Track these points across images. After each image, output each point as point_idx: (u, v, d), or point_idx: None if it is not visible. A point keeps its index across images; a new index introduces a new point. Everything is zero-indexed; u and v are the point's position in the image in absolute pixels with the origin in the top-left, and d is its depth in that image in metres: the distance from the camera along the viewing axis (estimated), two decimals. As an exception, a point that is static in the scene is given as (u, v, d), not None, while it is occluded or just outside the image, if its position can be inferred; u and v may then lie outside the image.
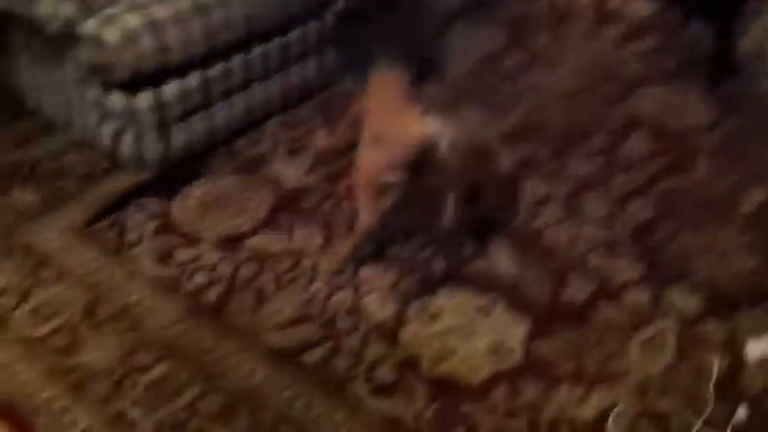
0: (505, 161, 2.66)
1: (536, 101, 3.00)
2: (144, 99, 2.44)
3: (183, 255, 2.29)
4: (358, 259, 2.25)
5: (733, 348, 2.05)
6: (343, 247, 2.28)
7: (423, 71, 1.98)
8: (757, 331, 2.10)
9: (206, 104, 2.60)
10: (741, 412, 1.87)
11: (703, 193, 2.57)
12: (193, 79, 2.52)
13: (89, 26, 2.35)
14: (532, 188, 2.56)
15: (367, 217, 2.17)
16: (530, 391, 1.94)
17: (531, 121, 2.88)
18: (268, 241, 2.34)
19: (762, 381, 1.97)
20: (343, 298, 2.17)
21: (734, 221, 2.45)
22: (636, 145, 2.79)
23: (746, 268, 2.29)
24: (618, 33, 3.46)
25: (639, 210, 2.50)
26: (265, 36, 2.68)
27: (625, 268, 2.28)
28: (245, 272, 2.24)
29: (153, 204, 2.46)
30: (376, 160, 2.09)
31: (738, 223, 2.44)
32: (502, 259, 2.30)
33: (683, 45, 3.37)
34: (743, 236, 2.40)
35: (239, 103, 2.69)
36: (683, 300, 2.19)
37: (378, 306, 2.15)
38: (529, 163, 2.67)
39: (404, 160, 2.03)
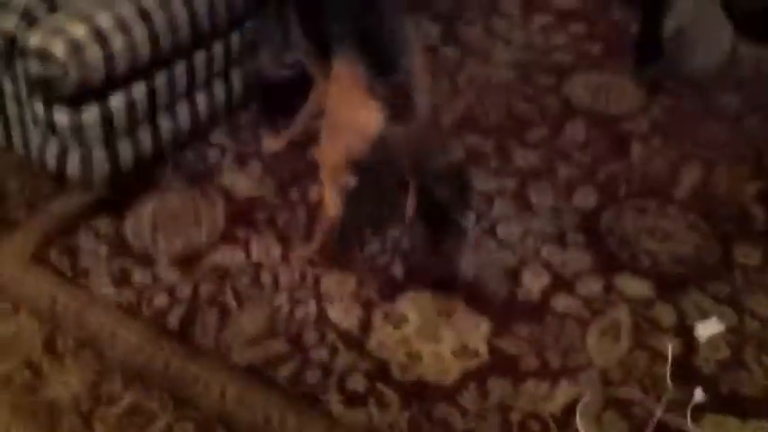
0: (454, 154, 2.71)
1: (474, 94, 3.05)
2: (90, 113, 2.38)
3: (140, 276, 2.27)
4: (338, 246, 2.28)
5: (684, 331, 2.15)
6: (315, 241, 2.31)
7: (379, 63, 2.01)
8: (705, 312, 2.21)
9: (151, 116, 2.56)
10: (699, 394, 1.97)
11: (641, 177, 2.67)
12: (139, 90, 2.47)
13: (34, 39, 2.27)
14: (481, 182, 2.62)
15: (331, 208, 2.21)
16: (497, 389, 2.01)
17: (471, 115, 2.93)
18: (226, 256, 2.34)
19: (714, 361, 2.08)
20: (307, 310, 2.19)
21: (673, 203, 2.56)
22: (573, 133, 2.87)
23: (689, 250, 2.40)
24: (546, 22, 3.53)
25: (584, 198, 2.58)
26: (208, 40, 2.65)
27: (576, 259, 2.36)
28: (206, 290, 2.23)
29: (104, 225, 2.42)
30: (337, 150, 2.12)
31: (677, 204, 2.55)
32: (459, 258, 2.35)
33: (608, 31, 3.47)
34: (683, 217, 2.50)
35: (184, 113, 2.66)
36: (633, 286, 2.28)
37: (342, 315, 2.18)
38: (475, 156, 2.73)
39: (361, 150, 2.07)
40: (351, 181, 2.31)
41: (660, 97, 3.04)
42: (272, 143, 2.70)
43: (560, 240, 2.42)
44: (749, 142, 2.79)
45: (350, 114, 2.07)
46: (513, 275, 2.30)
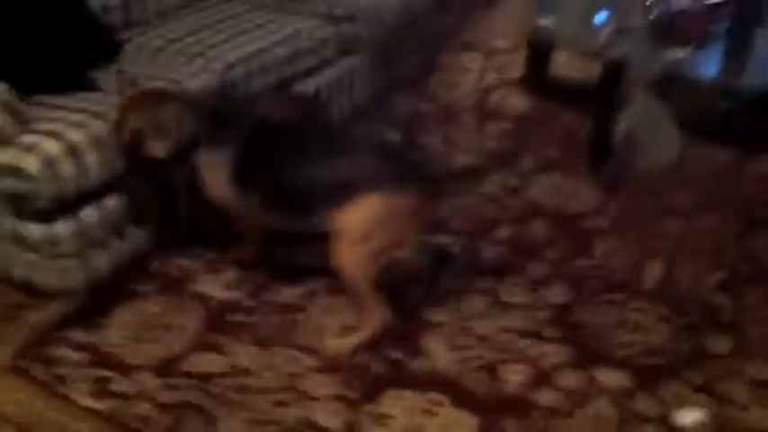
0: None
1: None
2: (64, 226, 2.39)
3: (120, 386, 2.22)
4: None
5: (667, 421, 2.18)
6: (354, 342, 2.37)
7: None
8: (683, 401, 2.25)
9: (123, 225, 2.57)
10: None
11: (607, 273, 2.75)
12: (111, 201, 2.49)
13: (7, 156, 2.29)
14: (452, 280, 2.67)
15: (381, 309, 2.37)
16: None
17: (439, 217, 3.01)
18: (206, 361, 2.31)
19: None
20: (293, 412, 2.16)
21: (640, 296, 2.63)
22: (538, 231, 2.96)
23: (661, 340, 2.46)
24: (501, 128, 3.68)
25: (554, 293, 2.64)
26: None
27: (553, 352, 2.40)
28: (189, 397, 2.20)
29: (79, 335, 2.38)
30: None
31: (645, 297, 2.63)
32: (439, 355, 2.37)
33: (561, 135, 3.64)
34: (652, 309, 2.58)
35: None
36: (612, 378, 2.32)
37: (328, 417, 2.16)
38: (445, 257, 2.79)
39: None
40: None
41: (617, 196, 3.17)
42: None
43: (535, 334, 2.46)
44: (705, 237, 2.91)
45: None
46: (494, 369, 2.33)
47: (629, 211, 3.09)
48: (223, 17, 3.39)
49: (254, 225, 2.58)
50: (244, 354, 2.35)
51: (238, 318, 2.47)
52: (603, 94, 3.36)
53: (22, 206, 2.35)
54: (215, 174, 2.40)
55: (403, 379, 2.29)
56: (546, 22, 3.42)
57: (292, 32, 3.27)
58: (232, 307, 2.51)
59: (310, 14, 3.50)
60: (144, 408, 2.16)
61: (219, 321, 2.46)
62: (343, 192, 2.25)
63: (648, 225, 3.00)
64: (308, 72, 3.33)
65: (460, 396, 2.24)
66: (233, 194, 2.39)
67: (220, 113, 2.44)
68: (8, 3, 2.71)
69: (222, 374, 2.27)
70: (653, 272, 2.75)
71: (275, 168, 2.33)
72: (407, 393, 2.24)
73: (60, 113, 2.49)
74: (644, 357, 2.39)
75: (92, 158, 2.38)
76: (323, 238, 2.31)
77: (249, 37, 3.18)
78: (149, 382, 2.24)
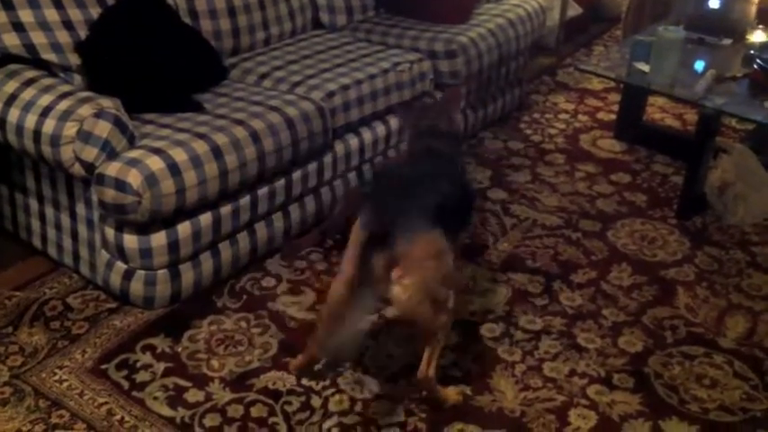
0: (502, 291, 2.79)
1: (521, 235, 3.15)
2: (158, 239, 2.52)
3: (193, 396, 2.31)
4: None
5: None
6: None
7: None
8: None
9: (214, 243, 2.69)
10: None
11: (687, 324, 2.70)
12: (205, 219, 2.61)
13: (112, 168, 2.43)
14: (528, 321, 2.67)
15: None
16: None
17: (517, 255, 3.02)
18: (278, 380, 2.39)
19: None
20: (355, 437, 2.21)
21: (720, 351, 2.57)
22: (619, 277, 2.93)
23: (736, 398, 2.40)
24: (590, 171, 3.67)
25: (630, 341, 2.61)
26: (272, 176, 2.80)
27: (623, 401, 2.37)
28: (257, 412, 2.27)
29: (162, 344, 2.49)
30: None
31: (724, 353, 2.57)
32: (507, 394, 2.37)
33: (650, 181, 3.59)
34: (730, 365, 2.52)
35: (244, 242, 2.78)
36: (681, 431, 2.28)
37: (392, 445, 2.20)
38: (521, 295, 2.79)
39: None
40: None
41: (704, 247, 3.11)
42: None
43: (606, 381, 2.44)
44: (794, 295, 2.83)
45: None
46: (561, 414, 2.31)
47: (716, 262, 3.02)
48: (325, 47, 3.51)
49: None
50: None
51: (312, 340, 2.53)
52: (698, 143, 3.31)
53: (122, 217, 2.48)
54: None
55: (469, 414, 2.30)
56: (641, 66, 3.39)
57: (390, 66, 3.35)
58: (310, 328, 2.58)
59: (410, 49, 3.58)
60: (214, 419, 2.24)
61: (295, 341, 2.53)
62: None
63: (735, 279, 2.93)
64: (404, 105, 3.40)
65: (523, 433, 2.24)
66: None
67: None
68: (127, 25, 2.88)
69: (291, 392, 2.33)
70: (735, 327, 2.68)
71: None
72: (471, 428, 2.25)
73: (165, 132, 2.63)
74: (717, 414, 2.33)
75: (191, 177, 2.50)
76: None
77: (348, 68, 3.28)
78: (221, 395, 2.32)
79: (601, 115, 4.28)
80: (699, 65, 3.52)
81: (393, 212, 2.13)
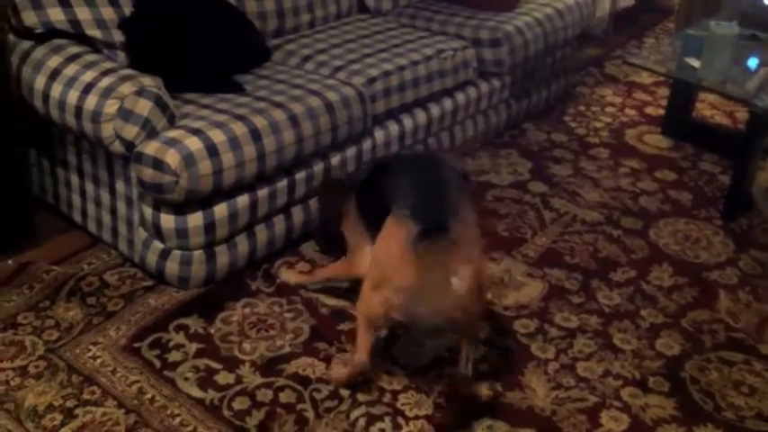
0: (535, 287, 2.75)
1: (559, 230, 3.10)
2: (195, 220, 2.52)
3: (223, 378, 2.32)
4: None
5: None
6: (340, 374, 2.32)
7: (429, 223, 2.08)
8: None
9: (250, 226, 2.68)
10: None
11: (727, 329, 2.64)
12: (242, 201, 2.61)
13: (151, 147, 2.44)
14: (563, 319, 2.63)
15: (362, 354, 2.24)
16: None
17: (555, 250, 2.97)
18: (308, 366, 2.38)
19: None
20: (383, 427, 2.19)
21: (760, 358, 2.51)
22: (659, 277, 2.87)
23: (775, 408, 2.34)
24: (634, 166, 3.60)
25: (667, 344, 2.55)
26: (310, 159, 2.79)
27: (657, 405, 2.33)
28: (286, 398, 2.27)
29: (195, 324, 2.50)
30: (376, 303, 2.16)
31: (765, 360, 2.50)
32: (539, 392, 2.34)
33: (697, 180, 3.51)
34: (770, 374, 2.46)
35: (280, 225, 2.78)
36: (716, 439, 2.23)
37: (418, 437, 2.18)
38: (557, 291, 2.75)
39: (400, 306, 2.10)
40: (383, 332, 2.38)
41: (749, 250, 3.03)
42: (290, 276, 2.74)
43: (641, 384, 2.39)
44: (840, 303, 2.75)
45: (392, 269, 2.11)
46: (592, 416, 2.28)
47: (761, 266, 2.95)
48: (369, 32, 3.48)
49: None
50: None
51: (345, 327, 2.53)
52: (747, 142, 3.22)
53: (159, 197, 2.49)
54: None
55: (498, 410, 2.27)
56: (692, 62, 3.31)
57: (434, 53, 3.31)
58: (341, 315, 2.57)
59: (455, 36, 3.54)
60: (243, 401, 2.24)
61: (327, 328, 2.52)
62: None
63: (780, 284, 2.86)
64: (446, 92, 3.36)
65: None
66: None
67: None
68: (171, 4, 2.88)
69: (320, 380, 2.33)
70: (777, 334, 2.62)
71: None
72: (500, 425, 2.23)
73: (205, 112, 2.63)
74: (754, 423, 2.28)
75: (228, 159, 2.49)
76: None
77: (391, 53, 3.25)
78: (251, 378, 2.32)
79: (649, 110, 4.19)
80: (752, 62, 3.42)
81: (443, 203, 2.11)
